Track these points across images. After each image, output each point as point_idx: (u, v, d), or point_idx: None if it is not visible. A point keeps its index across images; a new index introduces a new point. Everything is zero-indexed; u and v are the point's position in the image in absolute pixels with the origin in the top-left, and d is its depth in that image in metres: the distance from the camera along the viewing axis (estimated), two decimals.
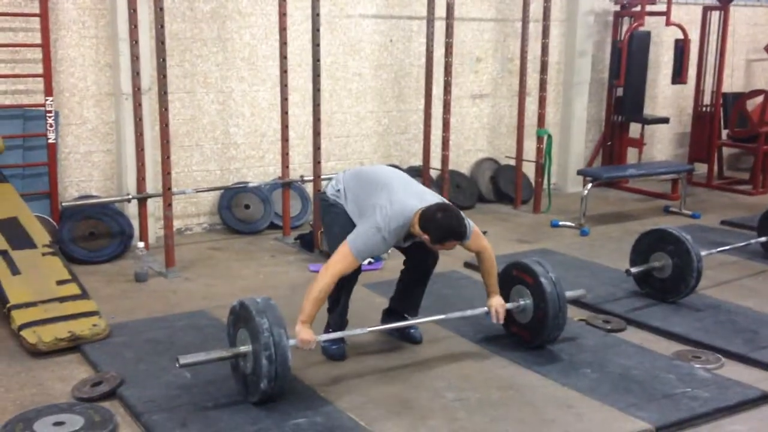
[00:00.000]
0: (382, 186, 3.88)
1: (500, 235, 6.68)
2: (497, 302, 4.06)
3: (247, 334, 3.46)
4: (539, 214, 7.46)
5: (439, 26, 6.76)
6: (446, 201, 3.94)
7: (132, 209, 5.97)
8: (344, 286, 3.89)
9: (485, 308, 4.09)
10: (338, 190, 4.05)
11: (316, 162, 6.02)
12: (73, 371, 3.91)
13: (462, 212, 3.80)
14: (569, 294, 4.19)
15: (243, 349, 3.48)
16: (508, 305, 4.14)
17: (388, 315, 4.36)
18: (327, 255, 5.72)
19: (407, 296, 4.29)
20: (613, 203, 8.03)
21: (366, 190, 3.92)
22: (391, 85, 7.35)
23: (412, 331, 4.28)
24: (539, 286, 4.05)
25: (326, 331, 4.04)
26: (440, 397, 3.66)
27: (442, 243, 3.68)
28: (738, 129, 8.81)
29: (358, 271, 3.90)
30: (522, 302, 4.14)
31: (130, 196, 5.87)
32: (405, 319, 4.27)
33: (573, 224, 6.97)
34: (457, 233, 3.70)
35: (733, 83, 9.47)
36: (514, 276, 4.20)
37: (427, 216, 3.67)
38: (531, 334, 4.14)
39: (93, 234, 5.76)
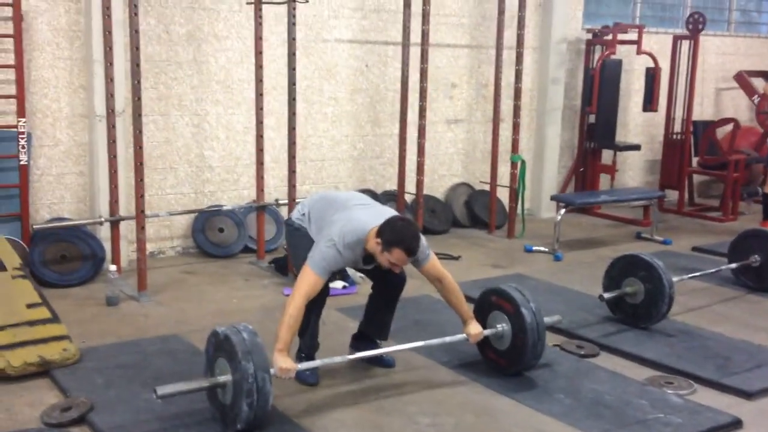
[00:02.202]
0: (343, 206, 3.93)
1: (474, 259, 6.70)
2: (475, 330, 4.05)
3: (227, 365, 3.39)
4: (513, 239, 7.49)
5: (415, 52, 6.81)
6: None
7: (104, 232, 5.91)
8: (313, 309, 3.87)
9: (464, 335, 4.08)
10: (303, 214, 4.08)
11: (291, 185, 6.01)
12: (42, 396, 3.85)
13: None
14: (546, 320, 4.19)
15: (222, 379, 3.41)
16: (487, 332, 4.12)
17: (358, 339, 4.35)
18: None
19: (376, 321, 4.28)
20: (586, 229, 8.10)
21: (328, 211, 3.95)
22: (366, 109, 7.38)
23: (385, 356, 4.27)
24: (519, 315, 4.02)
25: (298, 354, 4.04)
26: (414, 422, 3.65)
27: (391, 250, 3.66)
28: (708, 156, 8.93)
29: (326, 293, 3.90)
30: (500, 328, 4.11)
31: (103, 219, 5.82)
32: (375, 343, 4.27)
33: (546, 249, 7.01)
34: (409, 242, 3.69)
35: (703, 111, 9.62)
36: (493, 302, 4.18)
37: (387, 222, 3.73)
38: (508, 361, 4.13)
39: (64, 257, 5.70)
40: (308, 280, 3.68)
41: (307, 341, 4.05)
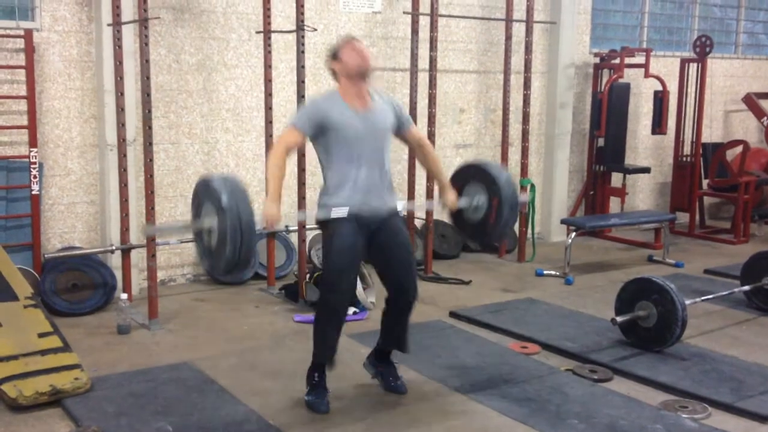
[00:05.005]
0: None
1: (485, 284, 6.68)
2: (452, 197, 4.23)
3: (214, 210, 3.47)
4: (524, 263, 7.47)
5: (423, 78, 6.85)
6: None
7: (115, 260, 5.93)
8: (329, 320, 3.94)
9: (440, 203, 4.27)
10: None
11: (301, 212, 6.02)
12: (53, 426, 3.84)
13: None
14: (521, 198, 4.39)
15: (208, 224, 3.50)
16: (461, 202, 4.25)
17: (376, 357, 4.33)
18: (312, 305, 5.74)
19: (395, 333, 4.22)
20: (597, 252, 8.07)
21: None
22: None
23: (398, 383, 4.25)
24: (497, 187, 4.15)
25: (310, 374, 4.04)
26: None
27: (343, 49, 3.95)
28: (718, 179, 8.91)
29: (344, 307, 3.98)
30: (476, 200, 4.24)
31: (114, 247, 5.84)
32: (392, 363, 4.29)
33: (557, 273, 6.99)
34: (349, 36, 4.06)
35: (712, 133, 9.61)
36: (471, 174, 4.31)
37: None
38: (478, 233, 4.36)
39: (75, 286, 5.71)
40: (286, 130, 3.93)
41: (321, 349, 4.02)
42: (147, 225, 3.44)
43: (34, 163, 5.69)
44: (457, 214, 4.35)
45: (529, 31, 7.38)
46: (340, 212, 3.88)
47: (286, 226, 6.69)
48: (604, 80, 8.46)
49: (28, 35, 5.60)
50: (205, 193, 3.57)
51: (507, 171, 4.34)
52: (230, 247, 3.37)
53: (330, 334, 4.00)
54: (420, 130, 4.42)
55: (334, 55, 3.99)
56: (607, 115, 8.20)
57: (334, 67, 4.00)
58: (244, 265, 3.51)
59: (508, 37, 7.34)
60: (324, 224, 3.99)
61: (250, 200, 3.49)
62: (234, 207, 3.39)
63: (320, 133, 3.92)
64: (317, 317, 4.03)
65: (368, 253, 4.05)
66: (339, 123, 3.89)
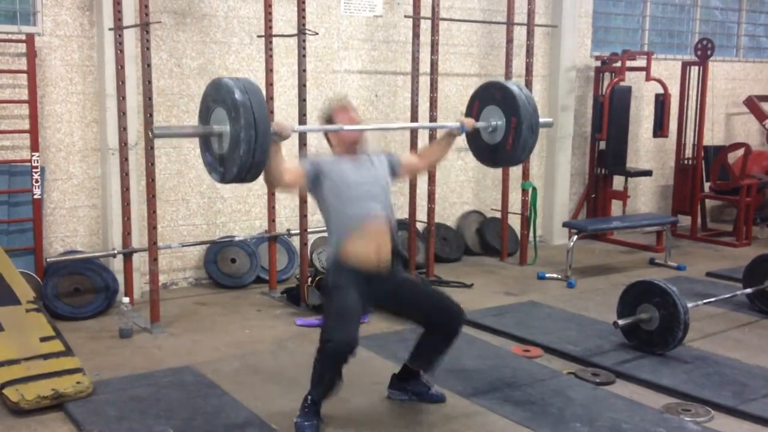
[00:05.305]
0: None
1: (487, 287, 6.68)
2: (469, 119, 4.25)
3: (225, 115, 3.33)
4: (525, 267, 7.47)
5: (424, 81, 6.85)
6: None
7: (117, 264, 5.94)
8: (332, 362, 3.71)
9: (457, 124, 4.22)
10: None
11: (303, 215, 6.02)
12: (56, 430, 3.84)
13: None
14: (541, 121, 4.31)
15: (218, 129, 3.37)
16: (480, 123, 4.26)
17: (401, 379, 4.20)
18: (314, 308, 5.74)
19: (428, 354, 4.06)
20: (599, 255, 8.07)
21: None
22: (377, 139, 7.41)
23: (434, 391, 4.18)
24: (516, 108, 4.16)
25: (304, 400, 3.85)
26: None
27: (333, 116, 3.87)
28: (720, 181, 8.91)
29: (352, 347, 3.67)
30: (494, 122, 4.25)
31: (116, 251, 5.85)
32: (420, 379, 4.17)
33: (559, 276, 6.98)
34: (336, 101, 4.02)
35: (713, 136, 9.61)
36: (492, 95, 4.30)
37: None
38: (495, 154, 4.32)
39: (77, 290, 5.71)
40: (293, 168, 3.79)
41: (320, 390, 3.82)
42: (154, 127, 3.31)
43: (36, 167, 5.70)
44: (474, 137, 4.30)
45: (530, 35, 7.38)
46: (342, 261, 3.80)
47: (288, 230, 6.69)
48: (606, 83, 8.47)
49: (29, 40, 5.61)
50: (215, 96, 3.42)
51: (527, 90, 4.27)
52: (245, 146, 3.22)
53: (329, 376, 3.78)
54: (408, 155, 4.40)
55: (324, 118, 3.94)
56: (609, 118, 8.21)
57: (332, 140, 3.93)
58: (258, 168, 3.30)
59: (510, 41, 7.34)
60: (327, 272, 3.93)
61: (263, 97, 3.38)
62: (248, 103, 3.25)
63: (319, 180, 3.81)
64: (318, 357, 3.77)
65: (386, 306, 4.02)
66: (337, 170, 3.83)
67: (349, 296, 3.73)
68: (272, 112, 6.07)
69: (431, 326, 3.98)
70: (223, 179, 3.41)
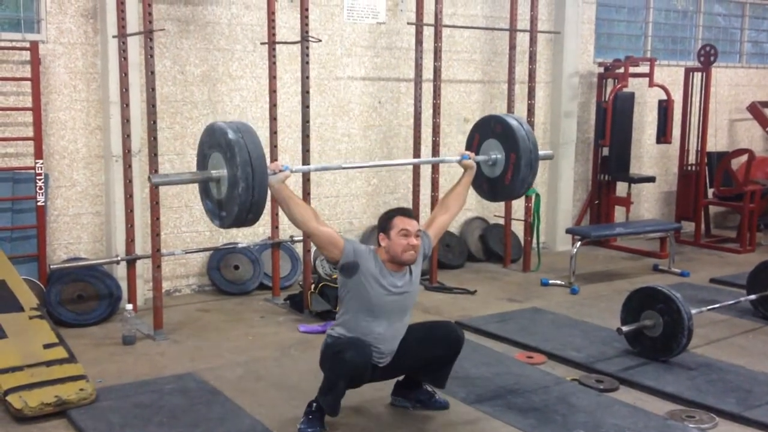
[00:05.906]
0: None
1: (490, 293, 6.67)
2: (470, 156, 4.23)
3: (222, 160, 3.34)
4: (529, 273, 7.46)
5: (427, 88, 6.86)
6: None
7: (120, 271, 5.94)
8: (346, 377, 3.73)
9: (458, 157, 4.24)
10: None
11: None
12: None
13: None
14: (541, 153, 4.29)
15: (216, 174, 3.38)
16: (480, 157, 4.27)
17: (405, 387, 4.20)
18: (317, 315, 5.74)
19: (434, 370, 4.06)
20: (602, 261, 8.06)
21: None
22: (379, 145, 7.41)
23: (437, 398, 4.18)
24: (515, 142, 4.15)
25: (308, 407, 3.86)
26: None
27: (391, 225, 3.80)
28: (723, 188, 8.89)
29: (366, 374, 3.78)
30: (493, 156, 4.25)
31: (119, 258, 5.85)
32: (421, 385, 4.18)
33: (563, 283, 6.97)
34: (399, 209, 3.94)
35: (717, 143, 9.60)
36: (492, 129, 4.29)
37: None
38: (493, 188, 4.36)
39: (81, 296, 5.72)
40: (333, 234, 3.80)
41: (329, 400, 3.78)
42: (152, 174, 3.31)
43: (40, 174, 5.71)
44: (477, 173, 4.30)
45: (533, 41, 7.39)
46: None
47: (291, 237, 6.69)
48: (609, 90, 8.47)
49: (33, 47, 5.63)
50: (210, 142, 3.43)
51: (527, 125, 4.25)
52: (243, 184, 3.22)
53: (340, 389, 3.77)
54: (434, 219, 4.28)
55: (383, 228, 3.86)
56: (612, 124, 8.21)
57: (381, 241, 3.86)
58: (258, 207, 3.29)
59: (512, 47, 7.34)
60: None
61: (257, 137, 3.36)
62: (242, 141, 3.26)
63: (351, 270, 3.79)
64: (330, 366, 3.79)
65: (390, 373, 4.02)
66: (374, 282, 3.80)
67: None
68: (275, 119, 6.09)
69: (435, 360, 4.02)
70: (224, 223, 3.43)
